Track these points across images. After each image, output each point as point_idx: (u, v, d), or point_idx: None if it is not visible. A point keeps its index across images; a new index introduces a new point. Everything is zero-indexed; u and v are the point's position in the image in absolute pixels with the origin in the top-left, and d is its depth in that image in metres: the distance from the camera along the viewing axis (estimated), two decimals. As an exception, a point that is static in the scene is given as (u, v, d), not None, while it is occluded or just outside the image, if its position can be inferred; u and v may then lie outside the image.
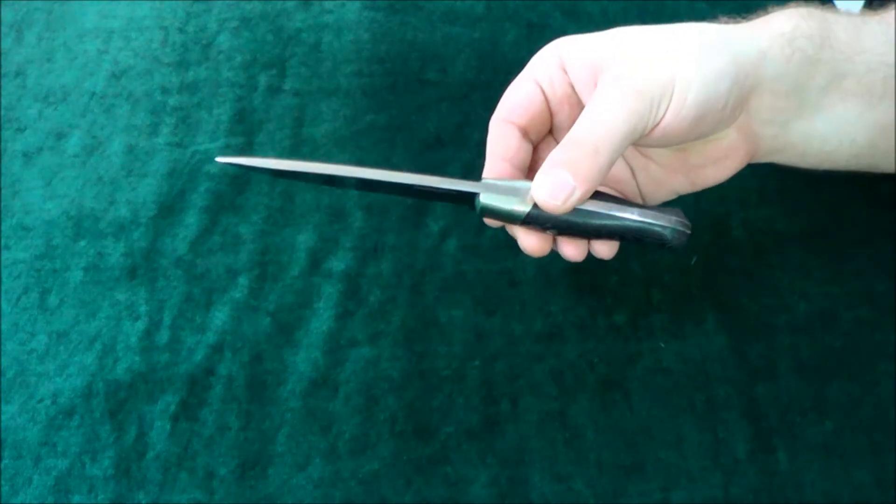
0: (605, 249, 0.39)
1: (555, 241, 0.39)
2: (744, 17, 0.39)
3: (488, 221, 0.39)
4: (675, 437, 0.39)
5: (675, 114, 0.36)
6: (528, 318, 0.44)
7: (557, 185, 0.35)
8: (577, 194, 0.35)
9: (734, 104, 0.37)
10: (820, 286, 0.44)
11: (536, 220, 0.37)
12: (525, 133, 0.40)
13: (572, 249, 0.39)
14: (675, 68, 0.36)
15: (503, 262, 0.45)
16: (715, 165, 0.40)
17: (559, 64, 0.39)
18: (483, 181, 0.37)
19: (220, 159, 0.39)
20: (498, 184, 0.37)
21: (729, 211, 0.46)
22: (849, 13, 0.39)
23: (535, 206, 0.36)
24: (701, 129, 0.37)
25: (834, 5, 0.54)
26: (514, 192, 0.37)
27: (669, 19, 0.61)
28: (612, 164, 0.35)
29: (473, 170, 0.50)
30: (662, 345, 0.42)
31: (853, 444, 0.39)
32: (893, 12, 0.40)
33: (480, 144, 0.51)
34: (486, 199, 0.37)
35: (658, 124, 0.36)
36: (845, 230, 0.47)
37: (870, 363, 0.42)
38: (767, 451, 0.39)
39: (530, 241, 0.38)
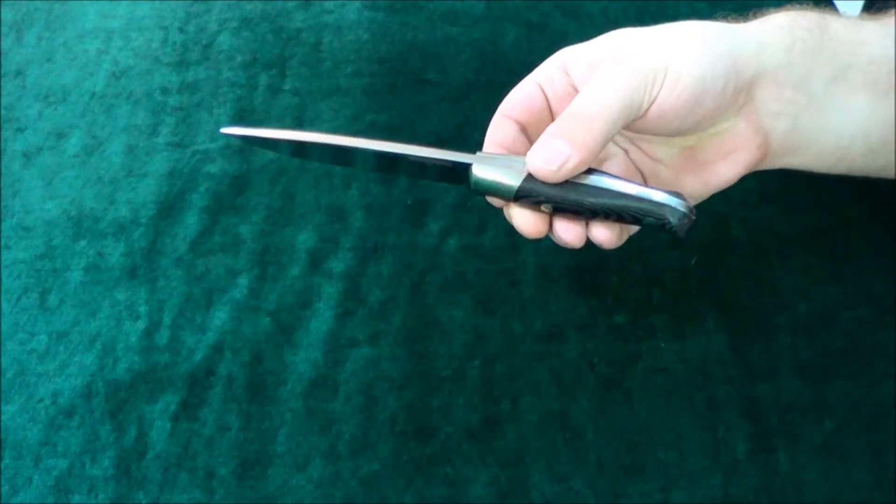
0: (604, 233, 0.37)
1: (551, 225, 0.37)
2: (743, 18, 0.40)
3: (490, 199, 0.38)
4: (675, 437, 0.39)
5: (670, 89, 0.36)
6: (528, 318, 0.44)
7: (553, 153, 0.35)
8: (573, 161, 0.35)
9: (734, 88, 0.37)
10: (820, 286, 0.44)
11: (530, 193, 0.36)
12: (524, 128, 0.40)
13: (568, 231, 0.37)
14: (670, 49, 0.36)
15: (503, 262, 0.45)
16: (726, 160, 0.39)
17: (561, 67, 0.40)
18: (478, 154, 0.37)
19: (226, 130, 0.39)
20: (493, 157, 0.37)
21: (729, 211, 0.46)
22: (845, 14, 0.40)
23: (529, 178, 0.36)
24: (701, 112, 0.37)
25: (833, 7, 0.55)
26: (508, 165, 0.36)
27: (670, 20, 0.61)
28: (608, 135, 0.35)
29: (473, 170, 0.50)
30: (662, 345, 0.42)
31: (853, 444, 0.39)
32: (893, 17, 0.40)
33: (480, 145, 0.51)
34: (478, 170, 0.37)
35: (654, 101, 0.36)
36: (845, 230, 0.47)
37: (870, 363, 0.42)
38: (767, 451, 0.39)
39: (524, 219, 0.37)
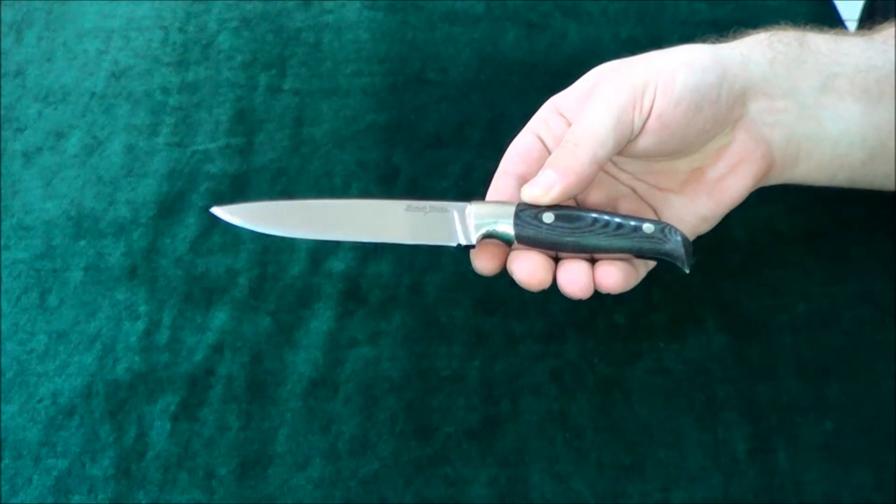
0: (609, 277, 0.37)
1: (555, 276, 0.37)
2: (725, 39, 0.42)
3: (479, 262, 0.38)
4: (675, 437, 0.39)
5: (666, 99, 0.36)
6: (528, 318, 0.43)
7: (540, 180, 0.36)
8: (559, 186, 0.36)
9: (728, 97, 0.37)
10: (820, 286, 0.44)
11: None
12: (525, 181, 0.39)
13: (572, 284, 0.37)
14: (657, 63, 0.37)
15: (503, 262, 0.45)
16: (734, 174, 0.40)
17: (554, 110, 0.40)
18: (474, 200, 0.38)
19: (216, 211, 0.40)
20: (488, 201, 0.38)
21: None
22: (824, 31, 0.42)
23: (524, 206, 0.37)
24: (702, 122, 0.37)
25: (833, 7, 0.56)
26: (503, 203, 0.37)
27: (670, 19, 0.61)
28: (595, 158, 0.36)
29: (473, 170, 0.50)
30: (662, 345, 0.42)
31: (853, 444, 0.39)
32: (877, 32, 0.42)
33: (480, 145, 0.51)
34: (476, 205, 0.37)
35: (651, 114, 0.36)
36: (845, 230, 0.47)
37: (870, 363, 0.42)
38: (767, 451, 0.39)
39: (524, 268, 0.37)
